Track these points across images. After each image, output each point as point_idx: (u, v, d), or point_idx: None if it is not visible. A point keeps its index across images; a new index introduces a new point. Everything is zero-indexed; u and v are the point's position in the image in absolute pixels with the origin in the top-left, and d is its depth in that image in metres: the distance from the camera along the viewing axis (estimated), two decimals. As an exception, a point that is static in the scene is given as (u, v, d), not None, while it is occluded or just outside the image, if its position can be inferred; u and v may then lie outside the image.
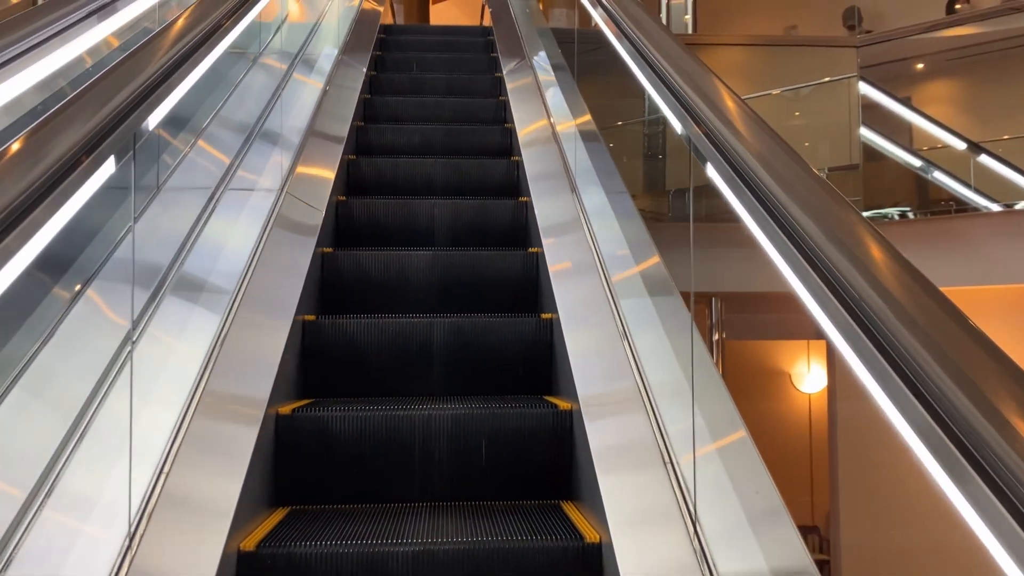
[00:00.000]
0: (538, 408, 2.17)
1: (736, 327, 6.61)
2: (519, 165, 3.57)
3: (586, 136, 3.35)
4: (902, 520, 5.36)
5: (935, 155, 6.87)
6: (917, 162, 6.92)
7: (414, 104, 4.49)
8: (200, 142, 2.73)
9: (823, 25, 9.30)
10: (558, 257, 2.73)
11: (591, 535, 1.72)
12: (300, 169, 3.12)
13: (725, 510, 1.57)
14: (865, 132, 6.60)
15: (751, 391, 8.36)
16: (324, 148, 3.44)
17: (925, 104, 7.17)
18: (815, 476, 7.70)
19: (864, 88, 6.64)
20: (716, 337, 6.24)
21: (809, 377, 8.73)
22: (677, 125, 1.94)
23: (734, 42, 7.79)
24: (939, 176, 6.69)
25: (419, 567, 1.67)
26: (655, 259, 2.46)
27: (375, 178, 3.63)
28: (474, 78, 4.95)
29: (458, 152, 3.90)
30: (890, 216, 6.51)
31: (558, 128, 3.66)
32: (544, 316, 2.58)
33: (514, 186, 3.59)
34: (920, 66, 7.36)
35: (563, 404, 2.18)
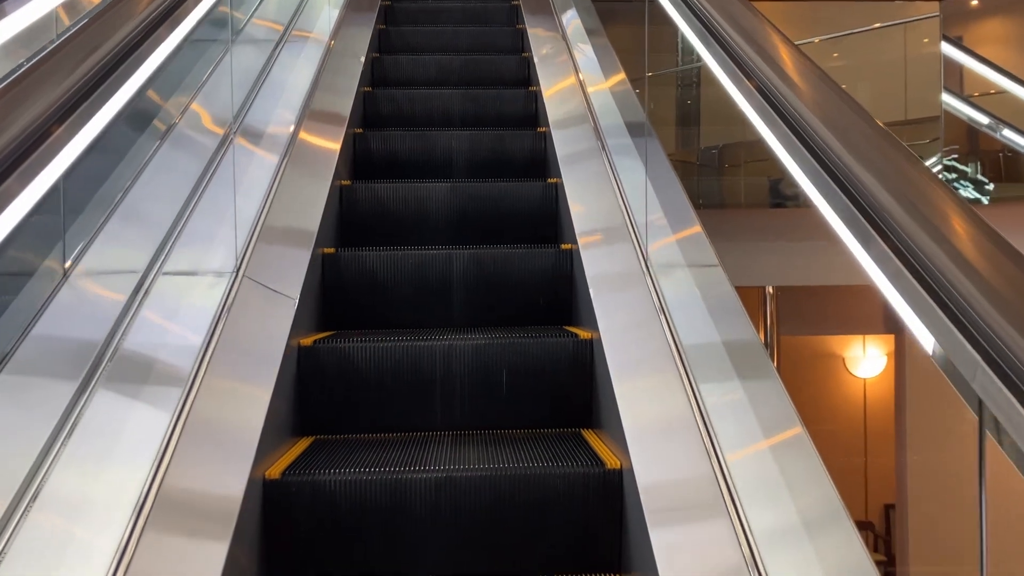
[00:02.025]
0: (558, 337, 2.17)
1: (791, 322, 6.28)
2: (537, 96, 3.51)
3: (602, 55, 3.27)
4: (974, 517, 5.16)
5: (989, 103, 5.89)
6: (982, 118, 5.81)
7: (429, 34, 4.40)
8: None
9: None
10: (578, 188, 2.70)
11: (612, 461, 1.73)
12: (315, 104, 3.08)
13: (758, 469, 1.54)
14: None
15: (801, 375, 7.76)
16: (338, 82, 3.39)
17: (978, 46, 6.53)
18: (869, 468, 7.23)
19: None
20: (770, 332, 5.92)
21: (864, 362, 8.07)
22: (723, 77, 1.80)
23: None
24: (1010, 135, 5.60)
25: (441, 494, 1.69)
26: (678, 188, 2.42)
27: (392, 111, 3.58)
28: (487, 5, 4.84)
29: (475, 83, 3.84)
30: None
31: (577, 56, 3.57)
32: (564, 247, 2.55)
33: (532, 117, 3.53)
34: (975, 2, 6.83)
35: (583, 333, 2.18)
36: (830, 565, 1.26)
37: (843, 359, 8.19)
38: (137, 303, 1.78)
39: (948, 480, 5.22)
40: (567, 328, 2.34)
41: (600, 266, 2.26)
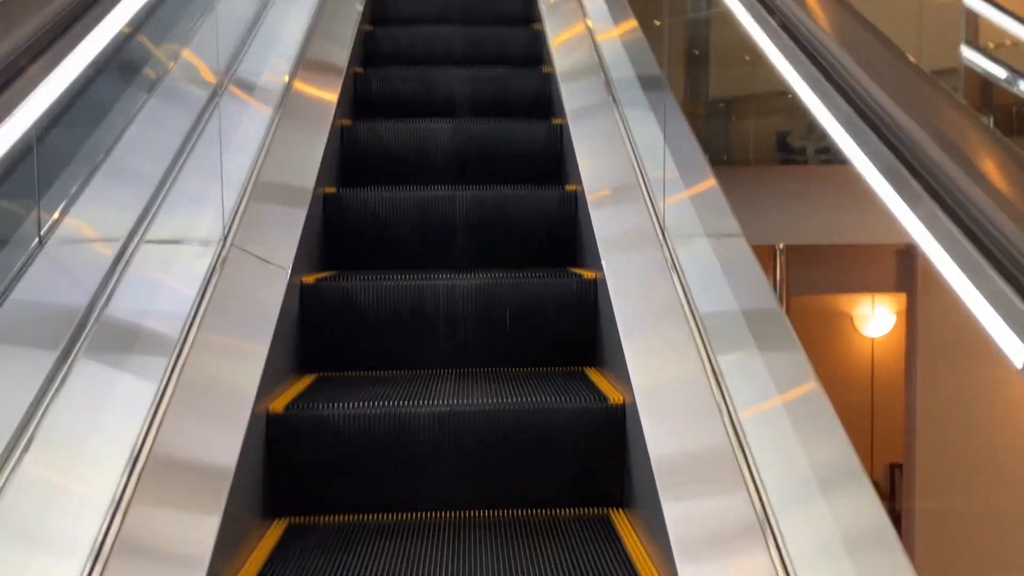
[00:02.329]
0: (562, 277, 2.16)
1: (800, 281, 6.13)
2: (541, 34, 3.44)
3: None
4: (986, 483, 5.13)
5: (1005, 56, 5.82)
6: (1000, 72, 5.65)
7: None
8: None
9: None
10: (583, 128, 2.66)
11: (615, 397, 1.73)
12: (314, 43, 3.02)
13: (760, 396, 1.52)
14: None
15: (807, 335, 7.63)
16: (336, 24, 3.32)
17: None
18: (876, 428, 6.97)
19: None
20: (779, 292, 5.83)
21: (873, 320, 7.81)
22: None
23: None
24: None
25: (445, 427, 1.69)
26: (685, 128, 2.38)
27: (392, 48, 3.51)
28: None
29: (478, 21, 3.76)
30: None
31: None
32: (568, 188, 2.53)
33: (537, 56, 3.47)
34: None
35: (588, 273, 2.16)
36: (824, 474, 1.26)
37: (851, 317, 7.97)
38: (137, 239, 1.77)
39: (958, 441, 5.22)
40: (571, 269, 2.33)
41: (605, 206, 2.23)
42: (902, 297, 6.57)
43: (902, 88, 1.19)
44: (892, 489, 7.55)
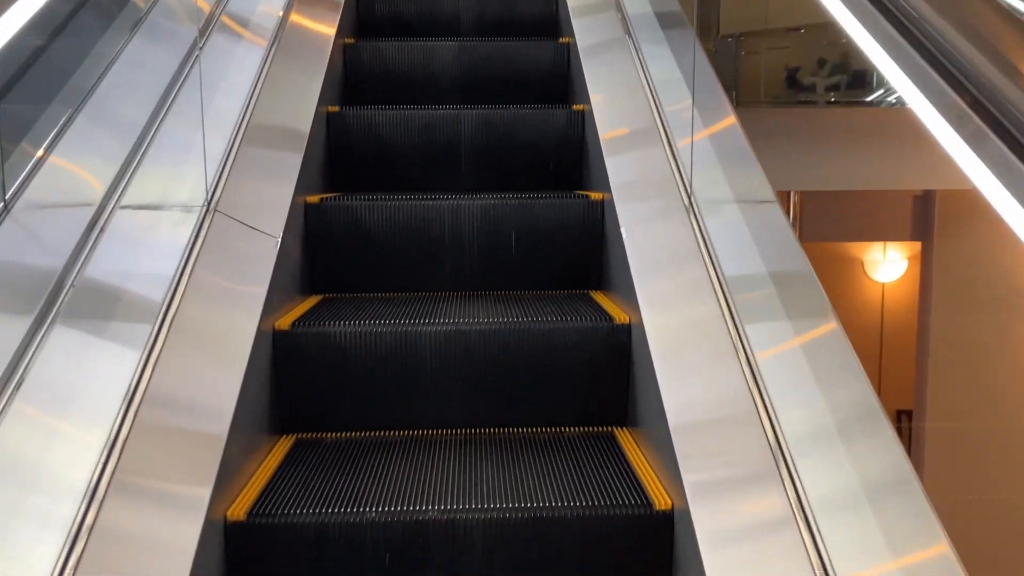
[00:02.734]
0: (569, 199, 2.13)
1: (813, 228, 6.00)
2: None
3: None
4: (997, 430, 5.10)
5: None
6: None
7: None
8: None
9: None
10: (591, 46, 2.59)
11: (621, 317, 1.73)
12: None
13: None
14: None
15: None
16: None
17: None
18: (884, 374, 6.85)
19: None
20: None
21: (884, 265, 7.56)
22: None
23: None
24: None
25: (451, 346, 1.69)
26: (696, 44, 2.31)
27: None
28: None
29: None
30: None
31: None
32: (576, 108, 2.48)
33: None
34: None
35: (595, 195, 2.14)
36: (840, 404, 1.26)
37: (862, 262, 7.74)
38: (140, 154, 1.74)
39: (970, 389, 5.21)
40: (578, 192, 2.30)
41: (613, 125, 2.19)
42: (914, 244, 6.45)
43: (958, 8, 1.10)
44: (898, 435, 7.60)
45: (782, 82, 5.43)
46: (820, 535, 1.09)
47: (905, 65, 1.17)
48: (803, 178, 4.59)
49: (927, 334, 5.62)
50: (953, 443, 5.30)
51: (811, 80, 5.68)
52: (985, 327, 5.02)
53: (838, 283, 7.64)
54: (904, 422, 7.17)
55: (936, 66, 1.09)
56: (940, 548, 1.00)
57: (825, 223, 6.04)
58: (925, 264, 5.72)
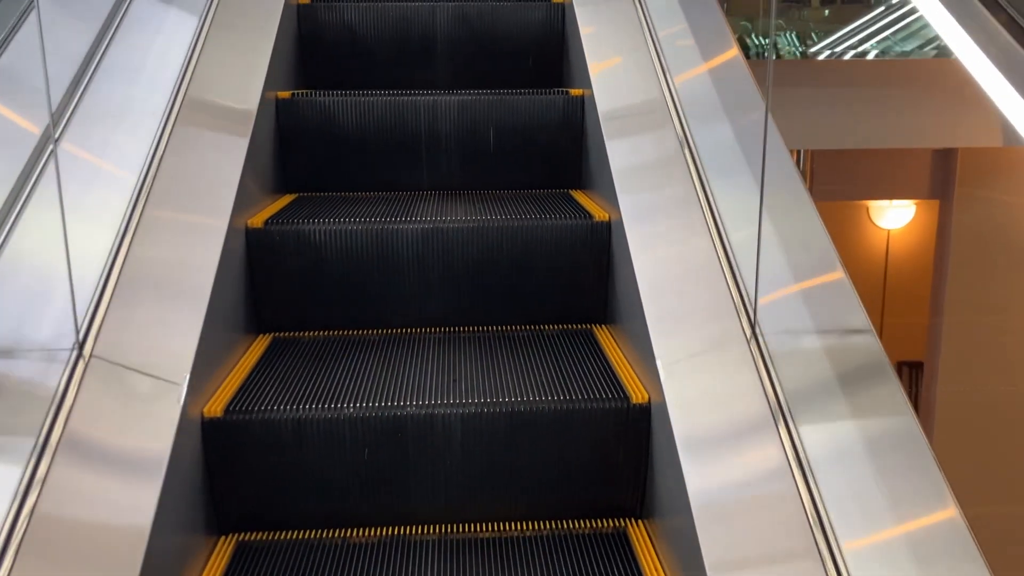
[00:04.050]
0: (548, 95, 2.07)
1: (824, 188, 5.62)
2: None
3: None
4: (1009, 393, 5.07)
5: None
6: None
7: None
8: None
9: None
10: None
11: (600, 214, 1.70)
12: None
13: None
14: None
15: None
16: None
17: None
18: (885, 322, 6.63)
19: None
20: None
21: (890, 211, 7.29)
22: None
23: None
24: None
25: (429, 244, 1.67)
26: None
27: None
28: None
29: None
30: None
31: None
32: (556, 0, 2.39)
33: None
34: None
35: (575, 91, 2.08)
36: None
37: (867, 207, 7.47)
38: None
39: (986, 349, 5.19)
40: (559, 89, 2.23)
41: (595, 16, 2.11)
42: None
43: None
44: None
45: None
46: (796, 428, 1.10)
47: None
48: (814, 135, 4.32)
49: (942, 290, 5.51)
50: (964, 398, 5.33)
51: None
52: (1008, 287, 4.99)
53: (843, 229, 7.36)
54: (905, 374, 7.11)
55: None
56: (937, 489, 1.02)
57: (837, 181, 5.79)
58: (943, 222, 5.56)
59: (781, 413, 1.13)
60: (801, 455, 1.08)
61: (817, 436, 1.10)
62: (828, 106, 4.14)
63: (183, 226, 1.47)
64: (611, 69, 1.99)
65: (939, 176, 5.56)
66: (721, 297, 1.31)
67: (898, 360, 7.01)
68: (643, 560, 1.30)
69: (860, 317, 1.21)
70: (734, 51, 1.65)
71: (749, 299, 1.27)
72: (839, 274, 1.27)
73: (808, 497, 1.03)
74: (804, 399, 1.16)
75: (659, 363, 1.26)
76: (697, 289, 1.36)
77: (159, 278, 1.35)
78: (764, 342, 1.21)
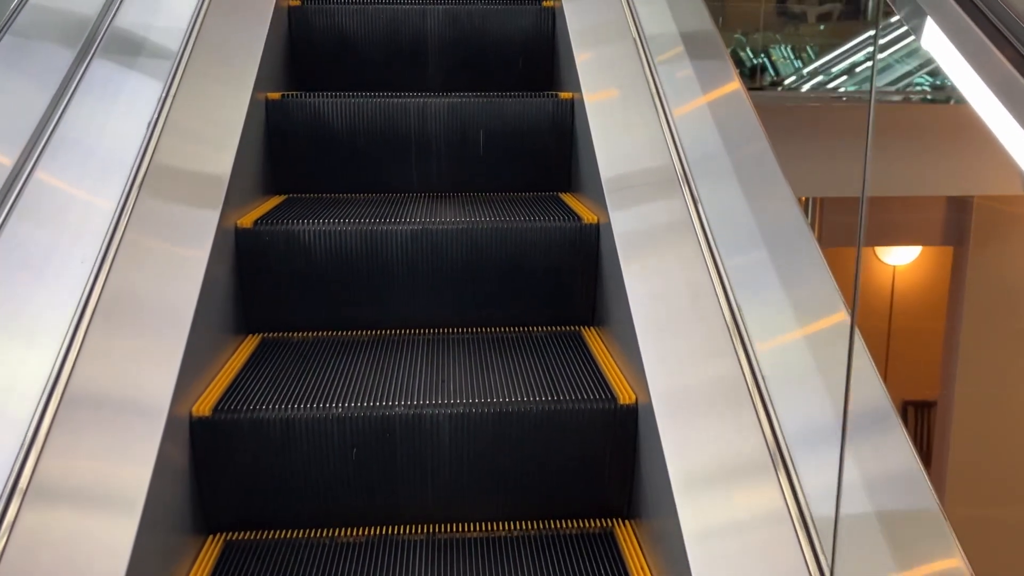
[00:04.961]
0: (538, 98, 2.08)
1: (835, 234, 5.49)
2: None
3: None
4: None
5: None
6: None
7: None
8: None
9: None
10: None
11: (589, 217, 1.71)
12: None
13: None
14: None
15: (824, 256, 6.87)
16: None
17: None
18: (891, 361, 6.50)
19: None
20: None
21: (896, 248, 7.20)
22: None
23: None
24: None
25: (418, 245, 1.67)
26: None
27: None
28: None
29: None
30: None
31: None
32: (546, 3, 2.40)
33: None
34: None
35: (564, 94, 2.09)
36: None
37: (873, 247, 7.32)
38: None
39: (999, 392, 5.12)
40: (548, 93, 2.24)
41: (585, 21, 2.13)
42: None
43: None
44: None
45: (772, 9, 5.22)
46: (775, 413, 1.11)
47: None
48: (823, 183, 4.18)
49: (955, 337, 5.41)
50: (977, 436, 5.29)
51: (801, 8, 5.47)
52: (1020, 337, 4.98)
53: (847, 265, 7.38)
54: (912, 415, 6.99)
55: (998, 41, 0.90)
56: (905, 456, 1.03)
57: (848, 228, 5.65)
58: (957, 268, 5.51)
59: (767, 414, 1.15)
60: (784, 453, 1.09)
61: (799, 425, 1.11)
62: (839, 152, 3.98)
63: (175, 218, 1.47)
64: (600, 72, 2.01)
65: (953, 223, 5.53)
66: (709, 299, 1.32)
67: (902, 399, 6.91)
68: (630, 560, 1.30)
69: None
70: (720, 48, 1.66)
71: (736, 302, 1.28)
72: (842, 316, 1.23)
73: (791, 492, 1.04)
74: (779, 375, 1.17)
75: (646, 364, 1.27)
76: (686, 291, 1.37)
77: (149, 264, 1.35)
78: (750, 340, 1.22)
